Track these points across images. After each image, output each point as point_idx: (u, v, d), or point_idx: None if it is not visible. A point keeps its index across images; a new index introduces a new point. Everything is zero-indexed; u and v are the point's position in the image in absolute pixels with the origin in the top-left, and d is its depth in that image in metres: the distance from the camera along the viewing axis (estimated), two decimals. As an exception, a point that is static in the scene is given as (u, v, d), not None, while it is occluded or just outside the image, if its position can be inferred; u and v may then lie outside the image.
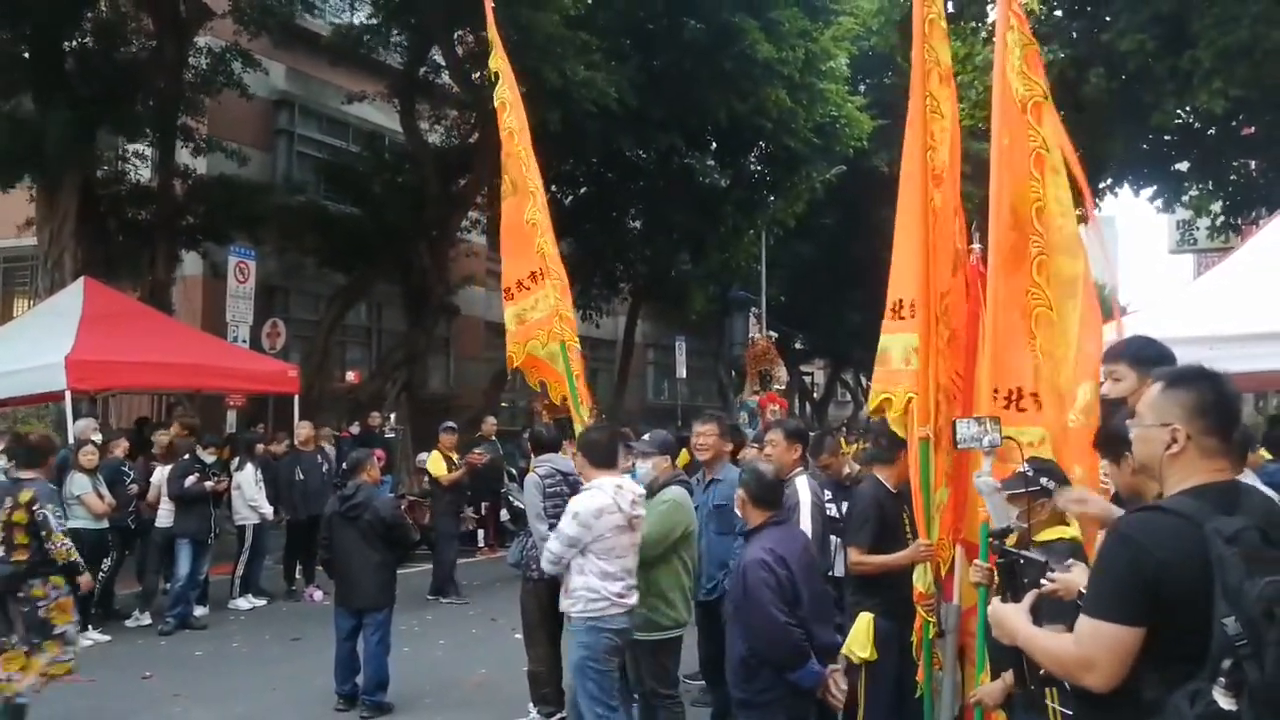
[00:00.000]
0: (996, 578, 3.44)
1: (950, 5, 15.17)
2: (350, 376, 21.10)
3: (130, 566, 11.20)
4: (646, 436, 6.77)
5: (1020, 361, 4.40)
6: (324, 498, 10.20)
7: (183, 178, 16.91)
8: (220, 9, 15.96)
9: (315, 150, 21.93)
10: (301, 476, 12.08)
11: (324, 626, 8.45)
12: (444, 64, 19.08)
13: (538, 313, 7.06)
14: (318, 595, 11.62)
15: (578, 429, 7.36)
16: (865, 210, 28.81)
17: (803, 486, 5.97)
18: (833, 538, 6.33)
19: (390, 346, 21.33)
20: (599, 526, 5.48)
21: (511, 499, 13.62)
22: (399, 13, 17.87)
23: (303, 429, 12.80)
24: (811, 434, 7.52)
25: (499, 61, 7.68)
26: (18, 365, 11.59)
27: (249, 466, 11.57)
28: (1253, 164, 14.97)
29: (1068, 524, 3.80)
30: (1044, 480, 3.86)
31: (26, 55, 14.30)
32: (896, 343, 4.93)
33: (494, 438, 15.33)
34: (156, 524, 10.64)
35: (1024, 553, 3.50)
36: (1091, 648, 2.46)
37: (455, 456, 12.29)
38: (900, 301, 4.93)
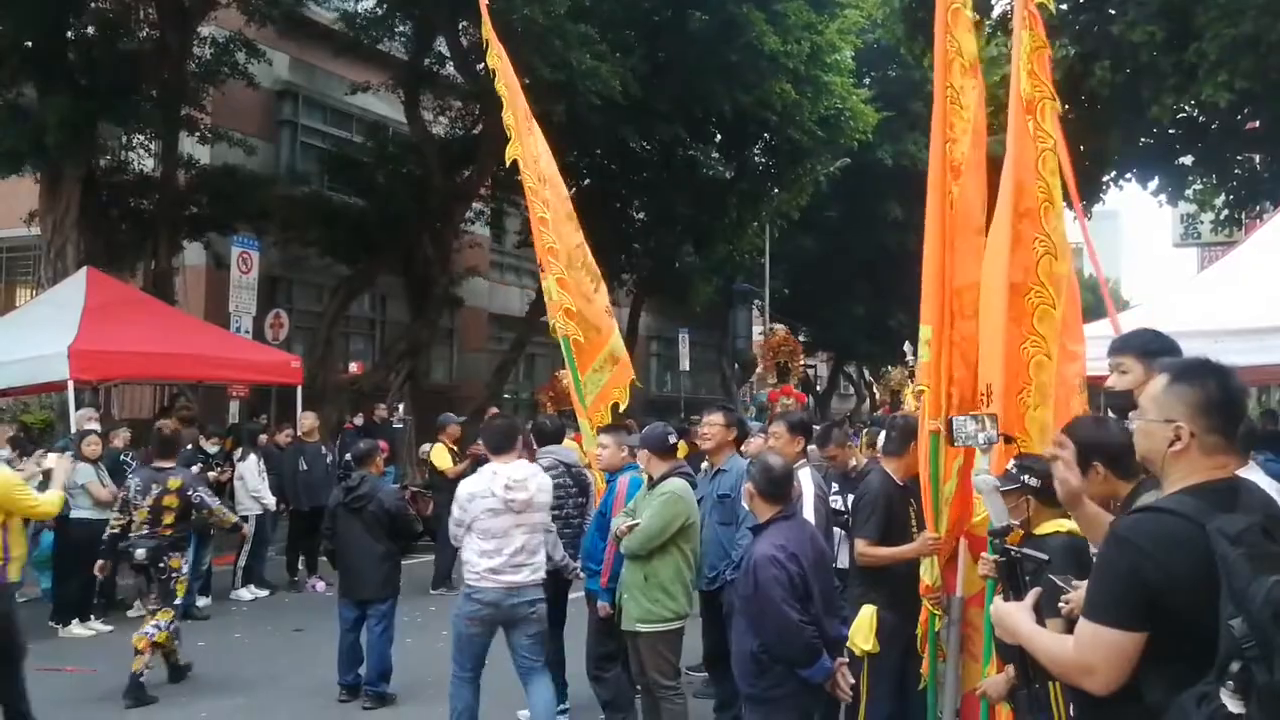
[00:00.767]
0: (998, 575, 3.45)
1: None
2: (353, 368, 21.11)
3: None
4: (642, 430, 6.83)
5: (994, 359, 4.41)
6: (327, 489, 10.20)
7: (186, 168, 16.89)
8: (224, -2, 15.94)
9: (319, 141, 21.91)
10: (305, 467, 12.08)
11: (327, 617, 8.46)
12: (448, 55, 19.03)
13: (551, 306, 7.30)
14: (320, 586, 11.63)
15: (581, 421, 7.40)
16: (869, 203, 28.84)
17: (805, 479, 5.98)
18: (836, 530, 6.34)
19: (393, 338, 21.33)
20: (472, 509, 6.04)
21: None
22: (403, 3, 17.84)
23: (307, 420, 12.80)
24: (817, 426, 7.54)
25: (496, 60, 7.76)
26: (20, 355, 11.59)
27: (252, 457, 11.57)
28: (1257, 158, 14.95)
29: (1067, 517, 3.79)
30: (1025, 477, 3.85)
31: (29, 45, 14.26)
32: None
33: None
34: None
35: (1025, 550, 3.50)
36: (1091, 653, 2.42)
37: (457, 448, 12.30)
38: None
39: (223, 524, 8.98)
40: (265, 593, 11.57)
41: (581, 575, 6.80)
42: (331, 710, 7.52)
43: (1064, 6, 13.46)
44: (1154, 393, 2.57)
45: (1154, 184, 15.03)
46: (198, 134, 16.89)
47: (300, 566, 12.25)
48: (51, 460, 8.01)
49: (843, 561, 6.00)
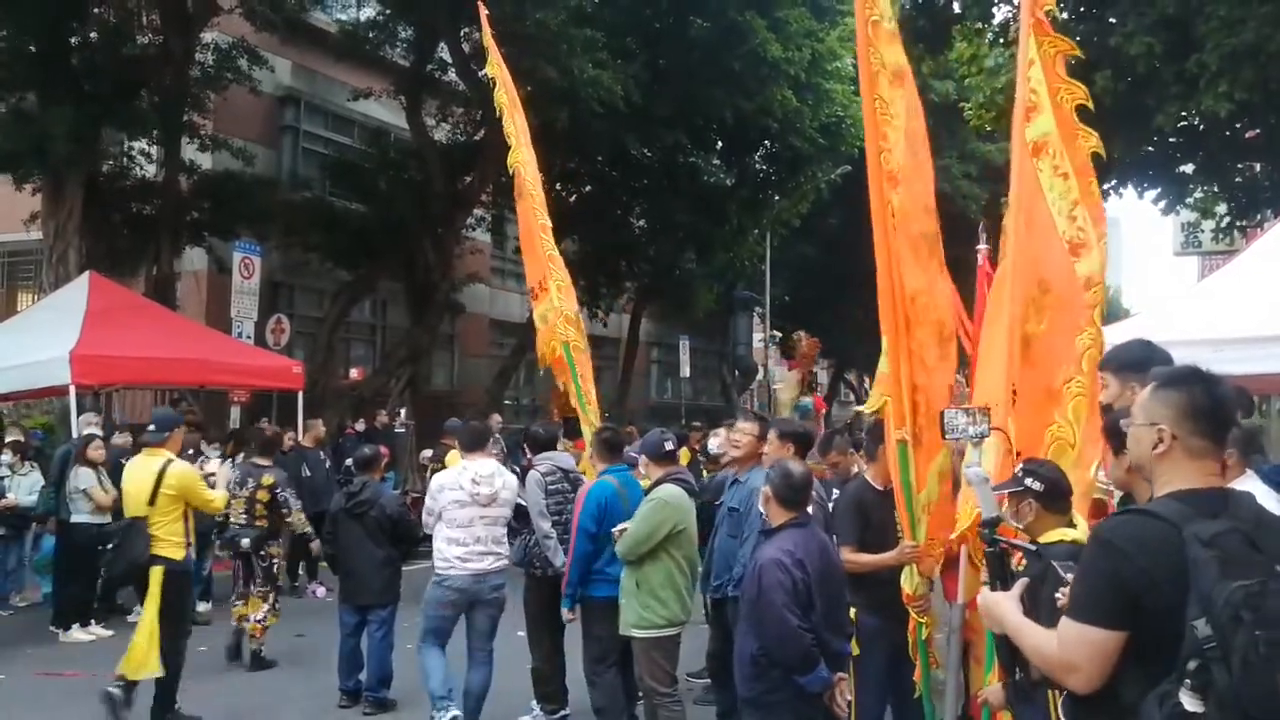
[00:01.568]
0: (986, 566, 3.46)
1: (956, 5, 15.15)
2: (354, 373, 21.13)
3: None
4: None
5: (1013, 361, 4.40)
6: (329, 494, 10.21)
7: (188, 173, 16.92)
8: (228, 4, 15.96)
9: (321, 147, 21.96)
10: (308, 473, 12.08)
11: (327, 623, 8.47)
12: (450, 61, 19.07)
13: (553, 314, 7.31)
14: (321, 591, 11.62)
15: (583, 428, 7.43)
16: (870, 211, 28.74)
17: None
18: (835, 537, 6.35)
19: (394, 343, 21.33)
20: (441, 500, 6.78)
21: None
22: (405, 9, 17.86)
23: (314, 427, 12.80)
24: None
25: (495, 69, 7.81)
26: (22, 359, 11.60)
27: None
28: (1258, 167, 14.95)
29: (1073, 526, 3.81)
30: (1029, 480, 3.87)
31: (33, 50, 14.28)
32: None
33: (499, 435, 15.32)
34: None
35: (1013, 541, 3.53)
36: (1074, 651, 2.49)
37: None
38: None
39: (293, 529, 9.50)
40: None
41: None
42: (332, 715, 7.54)
43: (1065, 15, 13.48)
44: (1142, 399, 2.65)
45: (1154, 193, 15.02)
46: (198, 141, 16.92)
47: (301, 572, 12.24)
48: (214, 465, 9.36)
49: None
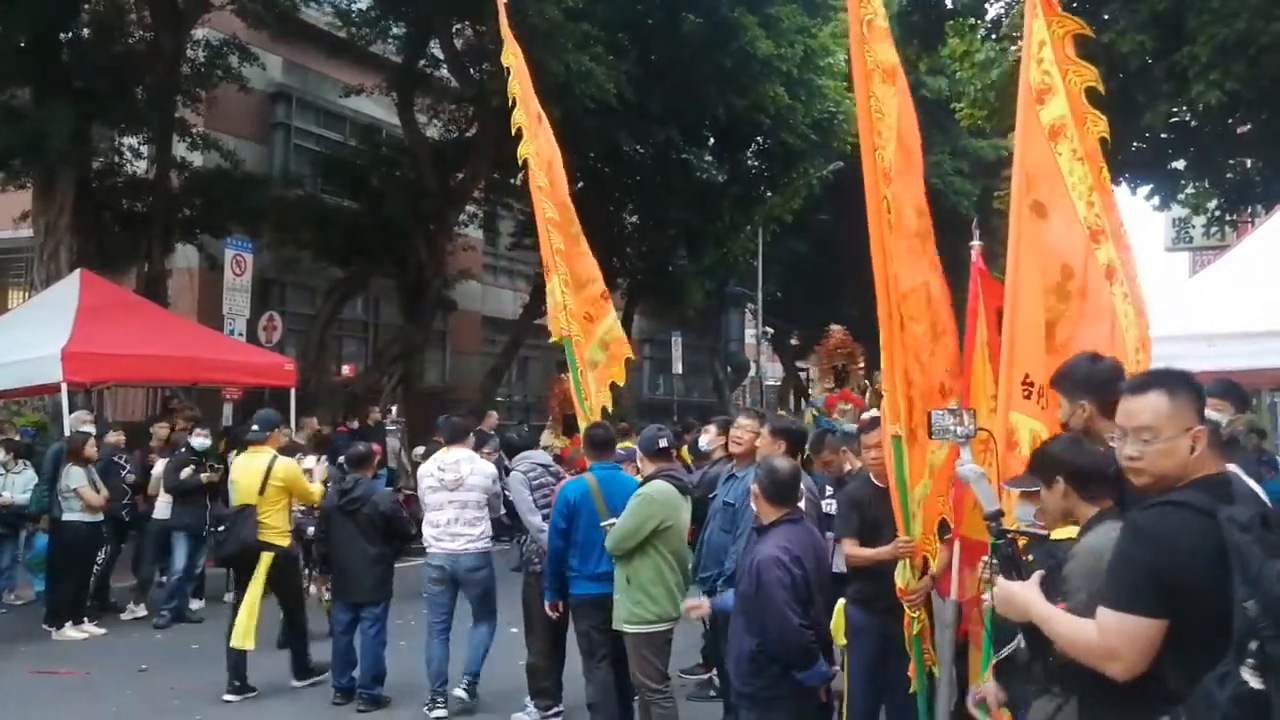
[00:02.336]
0: (996, 559, 3.46)
1: (948, 1, 15.18)
2: (346, 370, 21.07)
3: (126, 559, 11.18)
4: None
5: (1036, 351, 4.40)
6: (321, 492, 10.18)
7: (179, 170, 16.86)
8: (219, 1, 15.91)
9: (312, 143, 21.88)
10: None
11: (320, 620, 8.46)
12: (442, 57, 19.02)
13: (554, 305, 7.44)
14: (313, 589, 11.58)
15: (581, 424, 7.44)
16: (862, 206, 28.66)
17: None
18: (829, 534, 6.36)
19: (387, 340, 21.28)
20: (421, 487, 7.65)
21: (508, 494, 13.60)
22: (396, 5, 17.82)
23: (310, 424, 12.79)
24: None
25: (510, 58, 7.79)
26: (13, 357, 11.54)
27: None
28: (1249, 162, 14.99)
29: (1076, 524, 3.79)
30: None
31: (23, 46, 14.22)
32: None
33: (494, 431, 15.31)
34: (154, 516, 10.64)
35: (1021, 529, 3.52)
36: (1116, 639, 2.56)
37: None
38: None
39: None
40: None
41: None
42: (325, 713, 7.53)
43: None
44: (1163, 412, 2.69)
45: (1146, 190, 15.05)
46: (188, 140, 16.87)
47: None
48: (310, 461, 9.68)
49: (838, 565, 6.02)
